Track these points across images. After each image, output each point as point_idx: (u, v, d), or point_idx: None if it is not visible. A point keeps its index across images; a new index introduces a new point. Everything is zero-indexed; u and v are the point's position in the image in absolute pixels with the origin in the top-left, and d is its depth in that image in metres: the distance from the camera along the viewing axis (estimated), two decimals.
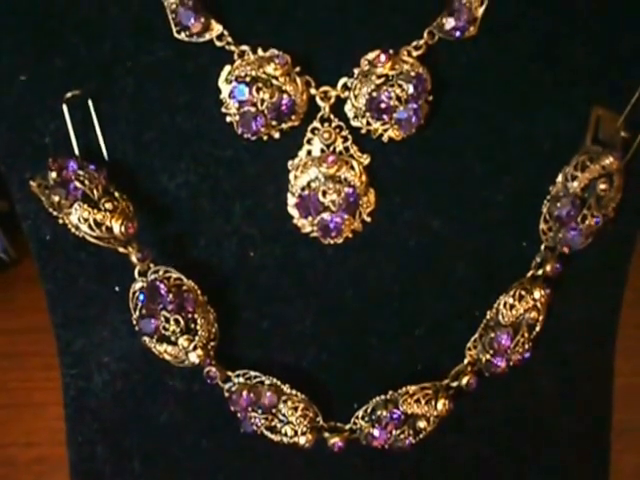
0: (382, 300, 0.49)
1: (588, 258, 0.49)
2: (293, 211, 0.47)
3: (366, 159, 0.47)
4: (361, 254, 0.49)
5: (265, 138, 0.46)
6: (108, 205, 0.44)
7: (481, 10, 0.46)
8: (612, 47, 0.48)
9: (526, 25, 0.47)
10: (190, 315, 0.46)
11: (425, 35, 0.46)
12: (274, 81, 0.44)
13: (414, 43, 0.46)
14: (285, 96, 0.44)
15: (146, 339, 0.47)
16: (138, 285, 0.46)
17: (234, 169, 0.48)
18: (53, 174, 0.44)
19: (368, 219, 0.48)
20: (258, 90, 0.44)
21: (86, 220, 0.44)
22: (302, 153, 0.47)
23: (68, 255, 0.49)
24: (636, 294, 0.56)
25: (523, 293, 0.47)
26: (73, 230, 0.44)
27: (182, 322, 0.45)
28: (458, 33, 0.45)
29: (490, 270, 0.49)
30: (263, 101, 0.44)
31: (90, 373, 0.51)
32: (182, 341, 0.46)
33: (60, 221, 0.45)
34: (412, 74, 0.44)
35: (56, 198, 0.44)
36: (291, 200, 0.47)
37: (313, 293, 0.49)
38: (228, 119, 0.46)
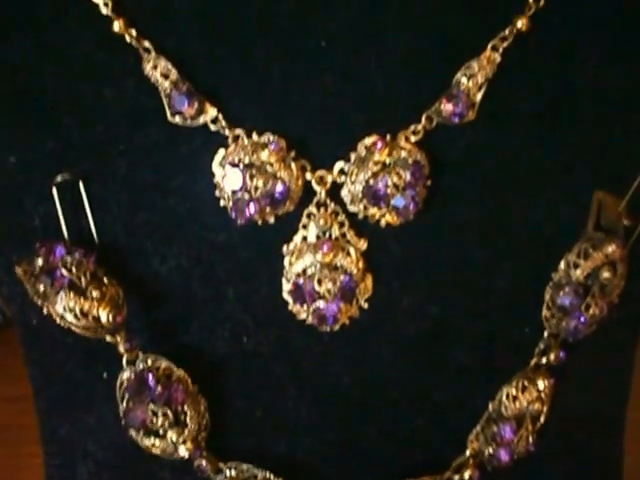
0: (380, 388, 0.47)
1: (593, 345, 0.47)
2: (288, 297, 0.46)
3: (363, 245, 0.45)
4: (358, 341, 0.47)
5: (259, 222, 0.45)
6: (95, 293, 0.43)
7: (479, 95, 0.45)
8: (612, 130, 0.47)
9: (525, 109, 0.46)
10: (179, 407, 0.44)
11: (423, 120, 0.45)
12: (268, 167, 0.44)
13: (412, 127, 0.45)
14: (279, 183, 0.43)
15: (133, 432, 0.45)
16: (125, 375, 0.44)
17: (227, 253, 0.46)
18: (39, 260, 0.43)
19: (365, 305, 0.46)
20: (252, 177, 0.44)
21: (72, 309, 0.43)
22: (297, 238, 0.45)
23: (55, 340, 0.48)
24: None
25: (526, 383, 0.45)
26: (58, 320, 0.43)
27: (171, 415, 0.44)
28: (457, 119, 0.44)
29: (492, 357, 0.48)
30: (257, 188, 0.44)
31: (75, 462, 0.49)
32: (171, 434, 0.44)
33: (45, 310, 0.43)
34: (410, 161, 0.44)
35: (41, 287, 0.42)
36: (286, 286, 0.46)
37: (308, 381, 0.47)
38: (222, 203, 0.45)
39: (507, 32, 0.45)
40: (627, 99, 0.47)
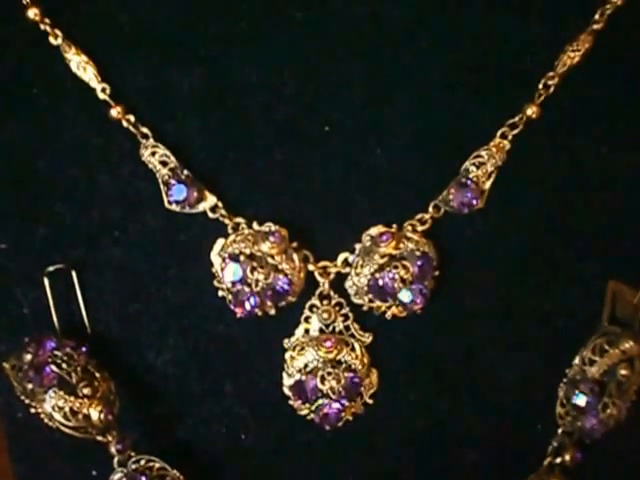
0: None
1: (611, 444, 0.44)
2: (289, 392, 0.44)
3: (368, 338, 0.44)
4: (363, 438, 0.45)
5: (260, 313, 0.43)
6: (86, 390, 0.41)
7: (489, 184, 0.44)
8: (625, 219, 0.45)
9: (535, 197, 0.44)
10: None
11: (430, 209, 0.44)
12: (269, 259, 0.42)
13: (419, 216, 0.44)
14: (281, 275, 0.42)
15: None
16: (117, 477, 0.42)
17: (226, 345, 0.44)
18: (28, 356, 0.41)
19: (370, 401, 0.44)
20: (252, 270, 0.42)
21: (61, 408, 0.40)
22: (299, 331, 0.44)
23: (42, 434, 0.45)
24: None
25: None
26: (46, 420, 0.41)
27: None
28: (465, 209, 0.43)
29: (503, 455, 0.45)
30: (258, 281, 0.42)
31: None
32: None
33: (32, 410, 0.41)
34: (417, 253, 0.42)
35: (29, 385, 0.40)
36: (287, 381, 0.44)
37: None
38: (220, 293, 0.43)
39: (517, 119, 0.44)
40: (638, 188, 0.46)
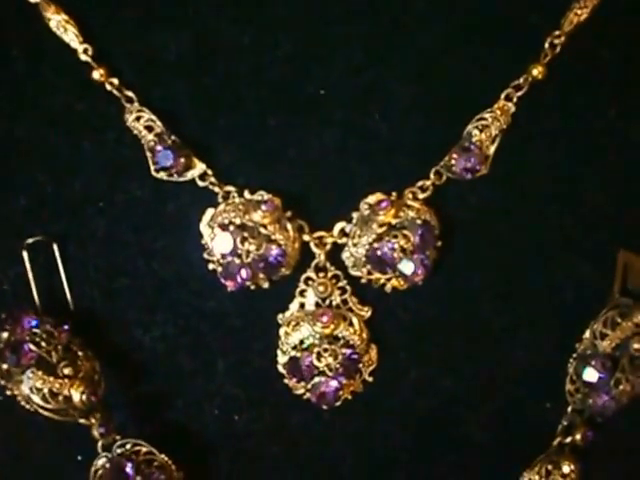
0: (386, 471, 0.43)
1: (623, 422, 0.43)
2: (283, 370, 0.42)
3: (367, 312, 0.42)
4: (362, 418, 0.43)
5: (252, 287, 0.42)
6: (67, 370, 0.38)
7: (493, 148, 0.42)
8: (635, 187, 0.43)
9: (542, 163, 0.42)
10: None
11: (432, 175, 0.42)
12: (262, 229, 0.40)
13: (419, 183, 0.42)
14: (274, 246, 0.39)
15: None
16: (101, 462, 0.40)
17: (217, 321, 0.43)
18: (4, 334, 0.38)
19: (370, 379, 0.42)
20: (243, 240, 0.40)
21: (40, 390, 0.38)
22: (294, 306, 0.42)
23: (23, 418, 0.42)
24: None
25: (550, 468, 0.41)
26: (23, 403, 0.38)
27: None
28: (469, 174, 0.41)
29: (510, 435, 0.43)
30: (249, 252, 0.40)
31: None
32: None
33: (8, 392, 0.39)
34: (418, 222, 0.40)
35: (4, 365, 0.38)
36: (281, 358, 0.42)
37: (307, 463, 0.43)
38: (211, 266, 0.41)
39: (522, 80, 0.42)
40: None
